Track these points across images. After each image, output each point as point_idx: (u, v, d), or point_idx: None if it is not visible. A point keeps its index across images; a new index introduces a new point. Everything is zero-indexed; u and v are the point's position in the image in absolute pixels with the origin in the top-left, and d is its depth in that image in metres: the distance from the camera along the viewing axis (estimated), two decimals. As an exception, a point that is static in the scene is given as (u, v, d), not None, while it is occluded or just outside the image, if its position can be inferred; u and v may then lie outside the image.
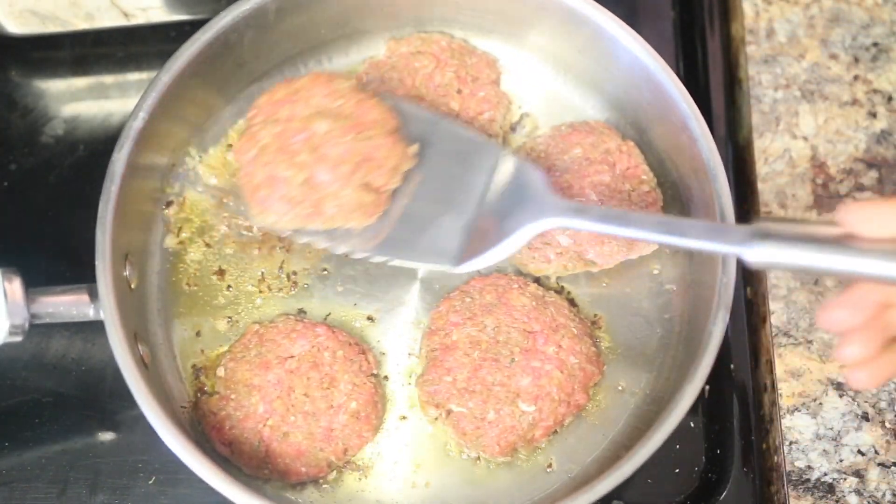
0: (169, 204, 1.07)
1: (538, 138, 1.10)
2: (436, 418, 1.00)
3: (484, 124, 1.09)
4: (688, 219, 0.96)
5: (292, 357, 0.99)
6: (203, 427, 0.98)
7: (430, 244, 0.97)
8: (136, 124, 0.97)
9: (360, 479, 0.99)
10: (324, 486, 0.99)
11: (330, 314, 1.05)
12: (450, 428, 0.99)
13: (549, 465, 1.01)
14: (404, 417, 1.02)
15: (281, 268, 1.06)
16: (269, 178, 0.92)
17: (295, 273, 1.06)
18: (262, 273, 1.06)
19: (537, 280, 1.06)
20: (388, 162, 0.93)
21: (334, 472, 0.99)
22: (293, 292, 1.06)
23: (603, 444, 1.01)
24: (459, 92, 1.09)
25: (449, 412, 0.99)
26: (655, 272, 1.07)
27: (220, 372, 1.00)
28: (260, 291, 1.05)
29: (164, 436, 0.89)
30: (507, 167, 0.99)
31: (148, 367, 0.97)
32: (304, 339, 1.00)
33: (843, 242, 0.74)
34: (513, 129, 1.13)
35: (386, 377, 1.03)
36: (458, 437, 0.99)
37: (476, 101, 1.09)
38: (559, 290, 1.07)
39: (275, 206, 0.93)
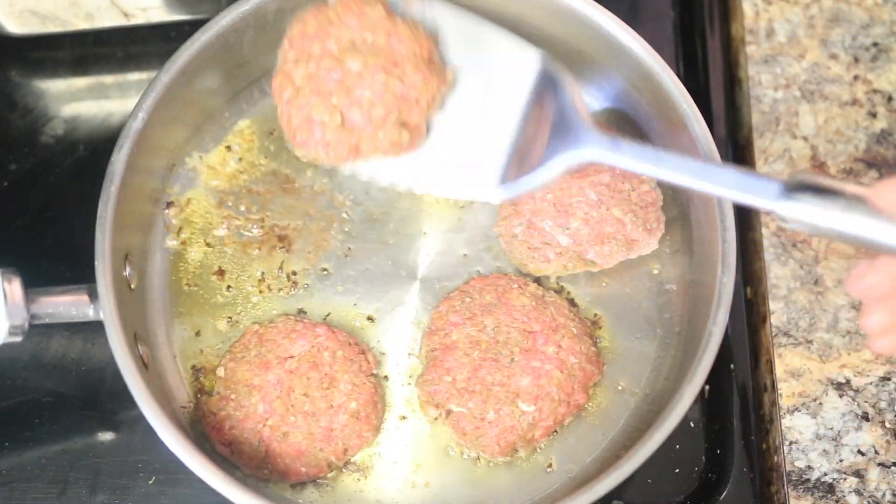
0: (170, 204, 1.07)
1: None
2: (435, 418, 1.00)
3: None
4: (725, 165, 0.88)
5: (292, 357, 0.99)
6: (203, 427, 0.98)
7: (470, 171, 0.93)
8: (136, 125, 0.97)
9: (359, 479, 0.99)
10: (323, 486, 0.99)
11: (330, 314, 1.05)
12: (449, 428, 0.99)
13: (549, 465, 1.00)
14: (404, 417, 1.02)
15: (281, 268, 1.06)
16: (307, 120, 0.90)
17: (295, 273, 1.06)
18: (262, 273, 1.06)
19: (537, 280, 1.06)
20: (423, 97, 0.90)
21: (334, 472, 0.99)
22: (293, 292, 1.06)
23: (603, 443, 1.01)
24: None
25: (449, 412, 0.99)
26: (655, 272, 1.07)
27: (220, 372, 1.00)
28: (260, 291, 1.05)
29: (164, 436, 0.89)
30: (549, 83, 0.93)
31: (148, 368, 0.97)
32: (304, 339, 1.00)
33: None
34: None
35: (386, 377, 1.03)
36: (457, 437, 0.99)
37: None
38: (559, 290, 1.07)
39: (314, 148, 0.92)
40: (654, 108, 1.04)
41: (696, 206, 1.03)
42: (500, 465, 1.00)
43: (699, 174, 0.81)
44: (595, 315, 1.06)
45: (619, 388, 1.03)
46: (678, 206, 1.07)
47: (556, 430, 1.01)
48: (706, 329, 0.94)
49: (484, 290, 1.03)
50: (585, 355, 1.01)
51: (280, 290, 1.06)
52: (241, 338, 1.02)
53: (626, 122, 1.11)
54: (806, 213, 0.74)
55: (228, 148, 1.09)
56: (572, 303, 1.06)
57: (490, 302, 1.02)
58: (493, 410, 0.98)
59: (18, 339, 0.90)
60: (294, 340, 1.00)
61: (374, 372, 1.01)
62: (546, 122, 0.92)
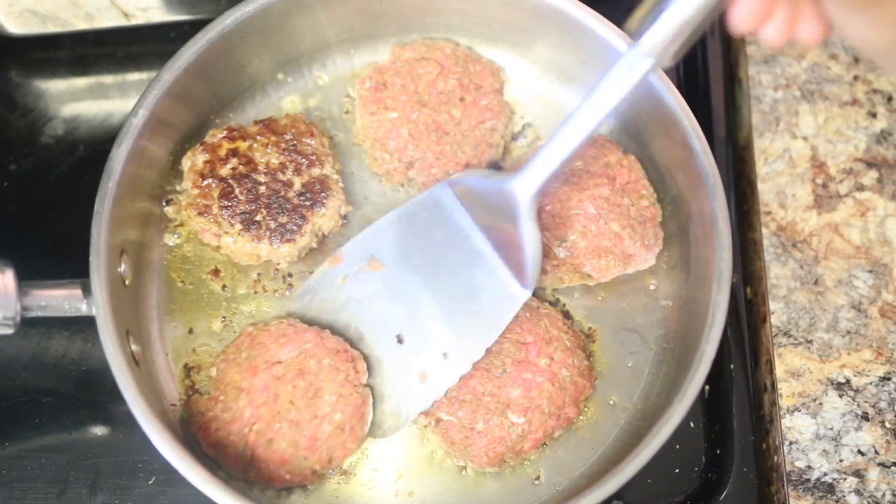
0: (169, 202, 1.07)
1: (539, 148, 1.09)
2: (425, 426, 0.99)
3: (485, 133, 1.09)
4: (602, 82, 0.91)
5: (280, 363, 0.97)
6: (191, 426, 0.98)
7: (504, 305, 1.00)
8: (136, 121, 0.97)
9: (345, 483, 0.99)
10: (310, 490, 0.98)
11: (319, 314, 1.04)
12: (438, 436, 0.98)
13: (537, 478, 1.00)
14: None
15: (276, 269, 1.06)
16: None
17: (290, 275, 1.06)
18: (258, 274, 1.06)
19: (533, 291, 1.06)
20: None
21: (319, 477, 0.98)
22: (288, 294, 1.05)
23: (592, 458, 1.01)
24: (462, 100, 1.09)
25: (438, 420, 0.98)
26: (652, 287, 1.07)
27: (213, 372, 0.99)
28: (255, 292, 1.05)
29: (151, 433, 0.88)
30: (469, 194, 1.01)
31: (139, 365, 0.96)
32: (293, 344, 0.98)
33: None
34: (514, 138, 1.13)
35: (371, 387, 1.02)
36: (446, 446, 0.98)
37: (478, 110, 1.09)
38: (554, 302, 1.06)
39: None
40: (656, 123, 1.04)
41: (695, 222, 1.03)
42: (488, 475, 1.00)
43: (595, 114, 0.89)
44: (589, 328, 1.06)
45: (611, 402, 1.03)
46: (677, 223, 1.07)
47: (545, 443, 1.00)
48: (699, 348, 0.93)
49: None
50: (578, 369, 1.00)
51: (275, 291, 1.06)
52: (235, 339, 1.01)
53: (628, 137, 1.10)
54: (662, 34, 0.78)
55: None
56: (567, 315, 1.06)
57: None
58: (483, 421, 0.97)
59: (10, 331, 0.90)
60: (283, 345, 0.98)
61: (363, 382, 1.00)
62: (493, 214, 0.99)
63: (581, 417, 1.02)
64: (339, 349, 0.99)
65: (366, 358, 1.01)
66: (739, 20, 0.73)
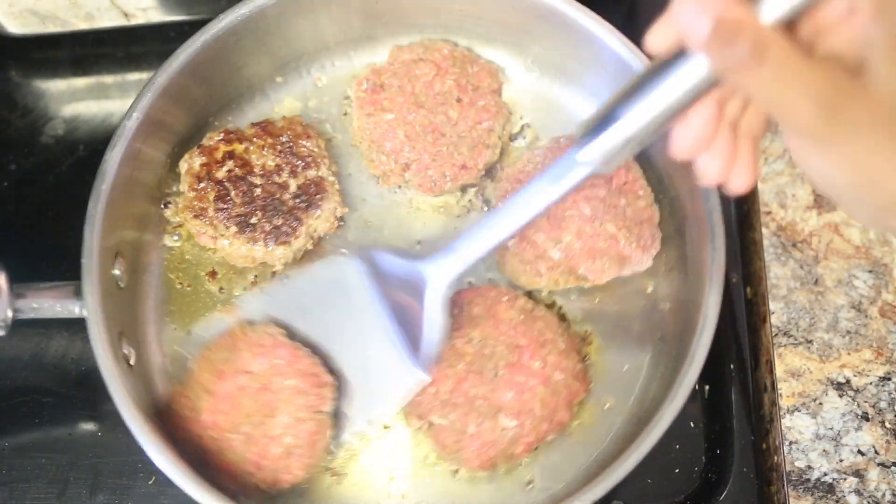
0: (167, 204, 1.07)
1: (537, 150, 1.09)
2: (418, 429, 0.99)
3: (482, 134, 1.08)
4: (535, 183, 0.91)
5: (249, 373, 0.96)
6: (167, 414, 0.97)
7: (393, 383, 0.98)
8: (130, 124, 0.97)
9: (337, 484, 0.99)
10: (300, 491, 0.98)
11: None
12: (430, 440, 0.98)
13: (530, 482, 1.00)
14: (388, 427, 1.01)
15: (272, 272, 1.06)
16: None
17: (287, 277, 1.06)
18: (255, 276, 1.06)
19: (529, 293, 1.05)
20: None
21: (310, 477, 0.97)
22: None
23: (586, 463, 1.00)
24: (459, 100, 1.09)
25: (430, 424, 0.98)
26: (649, 290, 1.07)
27: (191, 365, 0.99)
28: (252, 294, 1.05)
29: (137, 434, 0.88)
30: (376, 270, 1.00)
31: (132, 367, 0.97)
32: (265, 357, 0.96)
33: (645, 82, 0.72)
34: (512, 139, 1.12)
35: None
36: (438, 450, 0.98)
37: (475, 111, 1.09)
38: (550, 305, 1.06)
39: None
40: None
41: (691, 224, 1.02)
42: (480, 478, 0.99)
43: (522, 209, 0.89)
44: (585, 331, 1.05)
45: (606, 406, 1.03)
46: (675, 224, 1.06)
47: (538, 447, 1.00)
48: (689, 351, 0.93)
49: (473, 302, 1.02)
50: (572, 372, 0.99)
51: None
52: (222, 336, 1.00)
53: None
54: (603, 147, 0.76)
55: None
56: (563, 318, 1.05)
57: (478, 314, 1.01)
58: (475, 424, 0.96)
59: (1, 332, 0.90)
60: (256, 356, 0.96)
61: (326, 409, 0.97)
62: (401, 289, 0.98)
63: (575, 421, 1.01)
64: (310, 372, 0.97)
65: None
66: (679, 145, 0.72)
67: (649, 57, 0.73)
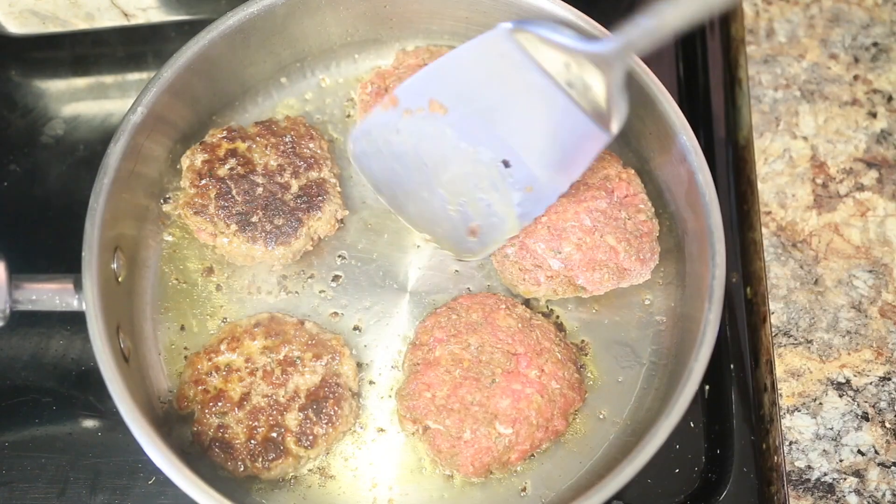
0: (167, 199, 1.07)
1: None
2: (413, 433, 0.99)
3: None
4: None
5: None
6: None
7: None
8: (134, 119, 0.97)
9: (322, 487, 0.99)
10: (290, 490, 0.98)
11: (309, 316, 1.04)
12: (425, 444, 0.98)
13: (524, 489, 1.00)
14: (382, 430, 1.01)
15: (271, 271, 1.06)
16: None
17: (285, 277, 1.06)
18: (253, 275, 1.06)
19: (526, 302, 1.05)
20: None
21: (297, 473, 0.98)
22: (281, 296, 1.05)
23: (580, 472, 1.00)
24: None
25: (426, 428, 0.98)
26: (647, 302, 1.07)
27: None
28: (249, 293, 1.05)
29: (135, 430, 0.88)
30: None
31: (128, 361, 0.96)
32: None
33: None
34: None
35: (372, 382, 1.03)
36: (432, 454, 0.98)
37: None
38: (548, 314, 1.06)
39: None
40: (657, 138, 1.03)
41: (691, 239, 1.02)
42: (474, 484, 0.99)
43: None
44: (582, 341, 1.05)
45: (601, 416, 1.03)
46: (674, 238, 1.07)
47: (532, 455, 1.00)
48: (687, 366, 0.93)
49: (471, 308, 1.02)
50: (568, 381, 1.00)
51: (269, 292, 1.06)
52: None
53: (629, 151, 1.10)
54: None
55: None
56: (560, 327, 1.05)
57: (476, 321, 1.01)
58: (470, 430, 0.96)
59: (0, 323, 0.90)
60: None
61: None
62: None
63: (570, 431, 1.01)
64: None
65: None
66: None
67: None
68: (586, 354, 1.05)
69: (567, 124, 0.96)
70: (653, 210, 1.06)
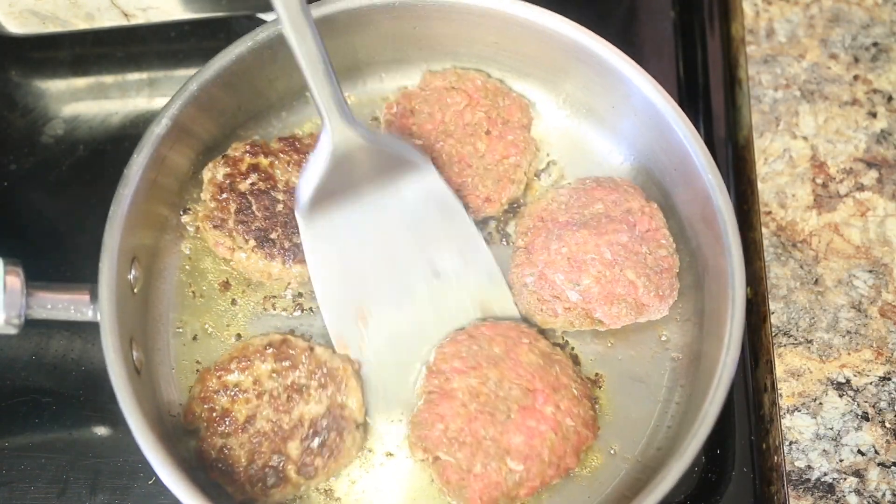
0: (186, 210, 1.06)
1: (562, 188, 1.08)
2: (422, 460, 0.98)
3: (508, 168, 1.08)
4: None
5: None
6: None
7: None
8: (159, 130, 0.97)
9: None
10: None
11: (324, 336, 1.03)
12: (435, 474, 0.97)
13: None
14: (391, 454, 1.00)
15: (287, 288, 1.05)
16: None
17: (301, 295, 1.05)
18: (269, 291, 1.05)
19: (541, 331, 1.04)
20: None
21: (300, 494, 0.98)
22: (296, 314, 1.05)
23: None
24: (488, 133, 1.08)
25: (436, 458, 0.97)
26: (663, 339, 1.06)
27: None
28: (264, 309, 1.05)
29: (140, 440, 0.88)
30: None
31: (140, 373, 0.96)
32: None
33: None
34: (538, 175, 1.11)
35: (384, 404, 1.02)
36: (441, 485, 0.97)
37: (504, 144, 1.08)
38: (563, 345, 1.05)
39: None
40: (681, 174, 1.03)
41: (711, 277, 1.01)
42: None
43: None
44: (596, 374, 1.04)
45: (612, 451, 1.02)
46: (694, 275, 1.05)
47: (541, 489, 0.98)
48: (702, 408, 0.92)
49: (493, 340, 1.00)
50: (582, 419, 0.98)
51: (284, 309, 1.05)
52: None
53: (652, 185, 1.09)
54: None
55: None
56: (575, 359, 1.04)
57: (498, 354, 0.99)
58: (481, 464, 0.95)
59: (14, 331, 0.89)
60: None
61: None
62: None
63: (581, 465, 1.00)
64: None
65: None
66: None
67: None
68: (600, 388, 1.04)
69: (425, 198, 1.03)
70: (674, 246, 1.05)
